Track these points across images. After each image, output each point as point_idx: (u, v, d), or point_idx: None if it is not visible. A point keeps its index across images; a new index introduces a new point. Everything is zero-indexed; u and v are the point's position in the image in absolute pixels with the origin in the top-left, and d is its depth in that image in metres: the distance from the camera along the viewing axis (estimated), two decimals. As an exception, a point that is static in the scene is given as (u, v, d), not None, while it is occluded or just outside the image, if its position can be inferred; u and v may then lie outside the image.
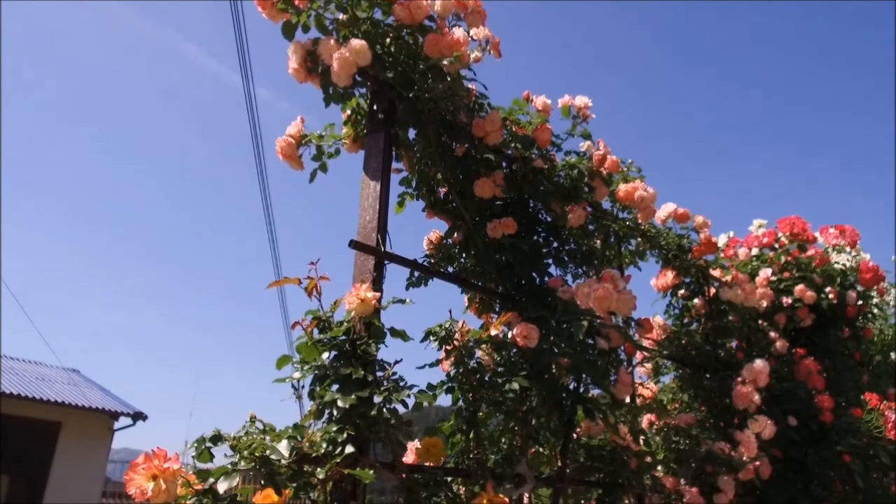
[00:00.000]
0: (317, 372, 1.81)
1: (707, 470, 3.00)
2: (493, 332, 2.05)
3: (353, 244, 2.03)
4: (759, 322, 3.90)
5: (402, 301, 1.94)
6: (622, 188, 2.72)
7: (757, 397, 3.25)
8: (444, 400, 2.35)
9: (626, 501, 2.74)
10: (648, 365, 3.37)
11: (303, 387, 1.86)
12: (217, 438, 1.55)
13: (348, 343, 1.85)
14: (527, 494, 2.21)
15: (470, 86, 2.42)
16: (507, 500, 1.85)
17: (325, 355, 1.81)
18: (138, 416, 13.68)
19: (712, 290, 3.63)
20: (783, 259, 4.20)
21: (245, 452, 1.52)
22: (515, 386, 1.99)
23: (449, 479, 2.00)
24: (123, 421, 13.79)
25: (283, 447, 1.56)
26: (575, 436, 2.57)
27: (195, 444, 1.55)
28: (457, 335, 2.03)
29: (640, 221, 2.91)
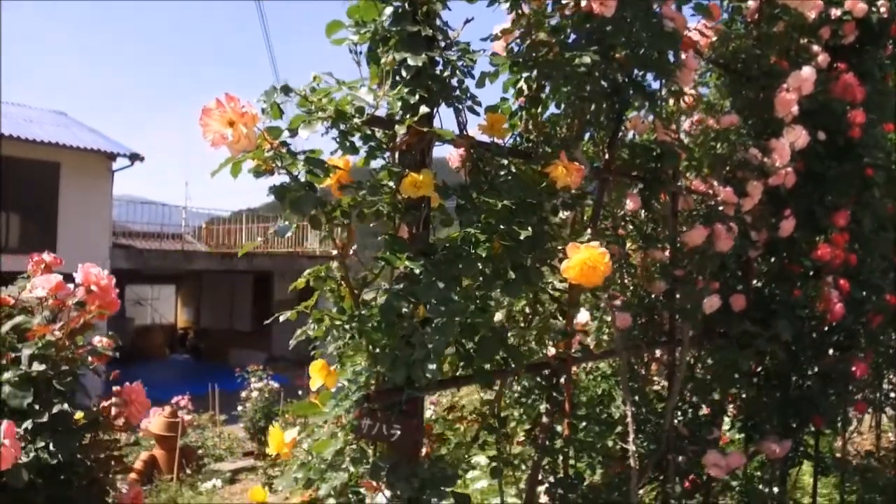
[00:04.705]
0: (377, 34, 1.63)
1: (738, 175, 3.05)
2: (565, -1, 1.84)
3: None
4: (801, 38, 3.69)
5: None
6: None
7: (796, 108, 3.18)
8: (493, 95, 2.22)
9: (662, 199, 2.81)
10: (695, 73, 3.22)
11: (360, 52, 1.70)
12: (287, 89, 1.42)
13: (408, 2, 1.65)
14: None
15: None
16: (581, 167, 1.81)
17: (388, 10, 1.61)
18: (135, 157, 13.66)
19: (766, -5, 3.35)
20: (840, -34, 3.83)
21: (323, 101, 1.41)
22: (587, 60, 1.84)
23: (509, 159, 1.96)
24: (121, 162, 13.84)
25: (365, 93, 1.45)
26: (622, 132, 2.52)
27: (263, 98, 1.43)
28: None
29: None
